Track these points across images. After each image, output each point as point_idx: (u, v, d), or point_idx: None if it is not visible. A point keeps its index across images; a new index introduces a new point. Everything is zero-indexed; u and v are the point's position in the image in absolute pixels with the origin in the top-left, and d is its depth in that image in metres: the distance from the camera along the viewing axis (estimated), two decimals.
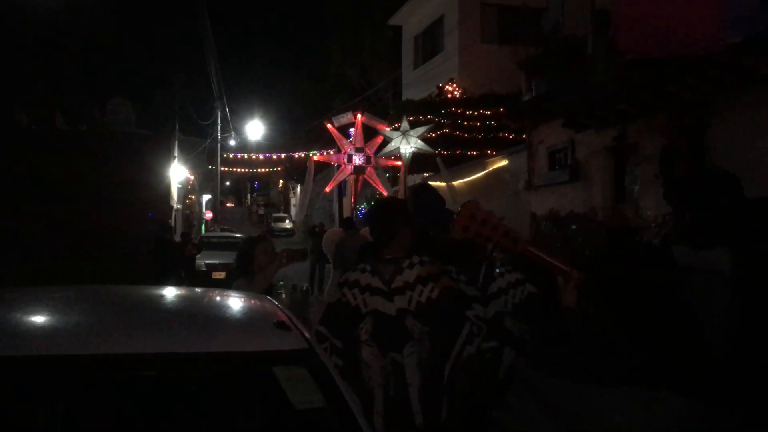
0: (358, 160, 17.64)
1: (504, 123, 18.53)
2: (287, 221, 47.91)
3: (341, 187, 20.66)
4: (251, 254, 4.28)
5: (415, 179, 22.81)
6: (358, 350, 2.85)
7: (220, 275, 16.50)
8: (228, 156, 38.88)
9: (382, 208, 3.27)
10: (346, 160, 17.78)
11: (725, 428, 1.97)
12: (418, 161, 20.63)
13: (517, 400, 2.28)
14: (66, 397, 1.95)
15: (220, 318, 2.65)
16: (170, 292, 3.22)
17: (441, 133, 19.74)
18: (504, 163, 16.77)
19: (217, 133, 34.02)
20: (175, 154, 23.36)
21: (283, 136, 47.53)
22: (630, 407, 1.93)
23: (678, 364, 1.96)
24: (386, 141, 17.21)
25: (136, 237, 9.03)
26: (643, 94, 10.07)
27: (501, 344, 2.89)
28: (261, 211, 58.95)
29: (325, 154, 24.60)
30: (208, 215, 37.09)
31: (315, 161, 19.23)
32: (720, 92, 9.01)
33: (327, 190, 21.12)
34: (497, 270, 3.13)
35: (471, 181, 18.40)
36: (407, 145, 16.50)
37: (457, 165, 19.29)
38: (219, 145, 34.99)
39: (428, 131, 16.95)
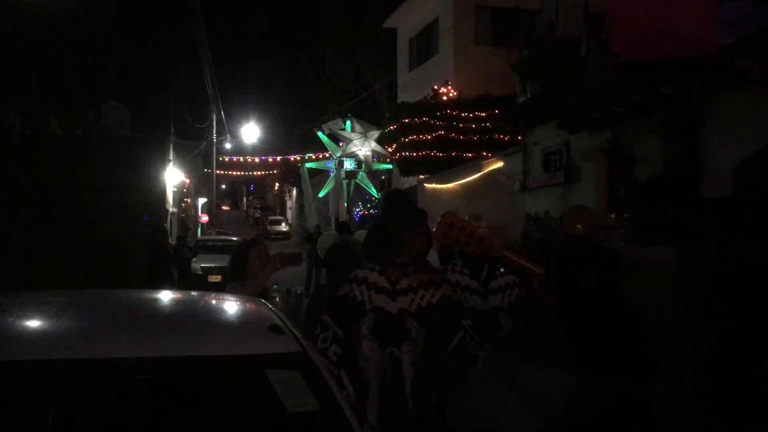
0: (349, 165, 17.73)
1: (499, 125, 18.58)
2: (283, 224, 47.87)
3: (337, 191, 20.71)
4: (245, 258, 4.24)
5: (410, 181, 22.86)
6: (358, 342, 3.09)
7: (216, 278, 16.50)
8: (223, 159, 38.83)
9: (392, 214, 3.47)
10: (337, 166, 17.88)
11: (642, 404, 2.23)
12: (412, 164, 20.68)
13: (481, 379, 2.51)
14: (59, 402, 1.94)
15: (213, 321, 2.65)
16: (164, 296, 3.22)
17: (436, 136, 19.78)
18: (499, 164, 16.79)
19: (212, 136, 33.96)
20: (171, 157, 23.32)
21: (278, 139, 47.49)
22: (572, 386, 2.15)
23: (617, 351, 2.19)
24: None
25: (132, 240, 9.03)
26: (636, 96, 10.10)
27: (486, 338, 3.08)
28: (257, 214, 58.89)
29: (321, 156, 24.64)
30: (204, 218, 37.04)
31: (308, 168, 19.31)
32: (713, 94, 9.04)
33: (320, 195, 21.14)
34: (501, 270, 3.48)
35: (466, 182, 18.41)
36: (364, 147, 16.58)
37: (452, 167, 19.32)
38: (214, 148, 34.93)
39: (384, 136, 17.02)
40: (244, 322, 2.73)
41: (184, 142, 30.80)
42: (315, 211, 25.74)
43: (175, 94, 26.35)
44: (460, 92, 20.70)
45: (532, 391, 2.24)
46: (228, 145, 40.91)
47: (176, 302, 3.05)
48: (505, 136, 18.91)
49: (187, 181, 31.83)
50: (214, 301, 3.12)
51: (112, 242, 8.45)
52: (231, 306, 3.01)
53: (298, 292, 4.44)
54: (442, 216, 3.11)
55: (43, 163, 8.89)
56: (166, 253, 13.69)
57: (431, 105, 20.63)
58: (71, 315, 2.48)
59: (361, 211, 22.88)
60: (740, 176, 1.41)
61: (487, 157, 18.06)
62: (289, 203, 54.21)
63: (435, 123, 19.89)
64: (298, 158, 35.39)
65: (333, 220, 27.37)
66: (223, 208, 65.15)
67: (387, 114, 23.24)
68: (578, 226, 3.75)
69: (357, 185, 18.66)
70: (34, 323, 2.38)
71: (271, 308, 2.87)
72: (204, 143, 33.67)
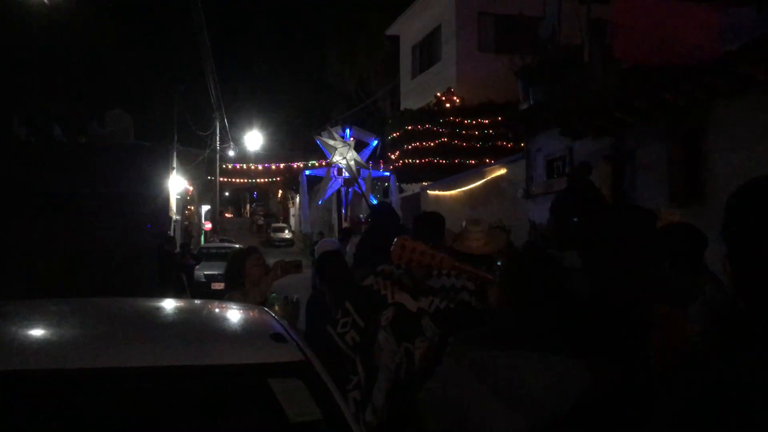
0: (347, 173, 17.80)
1: (502, 131, 18.58)
2: (286, 231, 47.86)
3: (339, 198, 20.76)
4: (241, 267, 4.21)
5: (413, 188, 22.88)
6: (375, 332, 3.26)
7: (219, 286, 16.47)
8: (227, 166, 38.88)
9: (381, 224, 3.89)
10: (335, 173, 17.95)
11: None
12: (415, 171, 20.70)
13: (443, 367, 2.65)
14: (60, 412, 1.94)
15: (216, 330, 2.64)
16: (166, 305, 3.22)
17: (439, 142, 19.80)
18: (502, 171, 16.78)
19: (215, 143, 34.04)
20: (174, 165, 23.38)
21: (282, 147, 47.56)
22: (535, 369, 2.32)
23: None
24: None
25: (135, 249, 9.01)
26: (639, 102, 10.10)
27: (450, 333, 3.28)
28: (260, 221, 58.92)
29: (323, 163, 24.64)
30: (208, 226, 37.05)
31: (307, 175, 19.37)
32: (716, 99, 9.04)
33: (319, 203, 21.20)
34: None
35: (469, 189, 18.41)
36: (349, 157, 16.71)
37: (455, 174, 19.33)
38: (218, 155, 35.01)
39: (382, 142, 17.18)
40: (247, 330, 2.73)
41: (188, 150, 30.87)
42: (308, 219, 25.84)
43: (178, 102, 26.42)
44: (462, 99, 20.72)
45: (500, 379, 2.34)
46: (231, 153, 40.98)
47: (179, 311, 3.05)
48: (508, 143, 18.92)
49: (191, 188, 31.88)
50: (217, 310, 3.12)
51: (115, 250, 8.43)
52: (234, 314, 3.00)
53: (294, 299, 4.46)
54: (395, 240, 3.31)
55: (46, 171, 8.89)
56: (176, 261, 13.81)
57: (434, 112, 20.66)
58: (73, 324, 2.48)
59: (365, 217, 22.89)
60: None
61: (490, 164, 18.06)
62: (292, 210, 54.24)
63: (438, 130, 19.91)
64: (301, 165, 35.46)
65: (335, 226, 27.39)
66: (227, 215, 65.20)
67: (390, 121, 23.27)
68: (473, 244, 3.77)
69: (356, 192, 18.70)
70: (35, 332, 2.38)
71: (273, 316, 2.86)
72: (207, 151, 33.74)
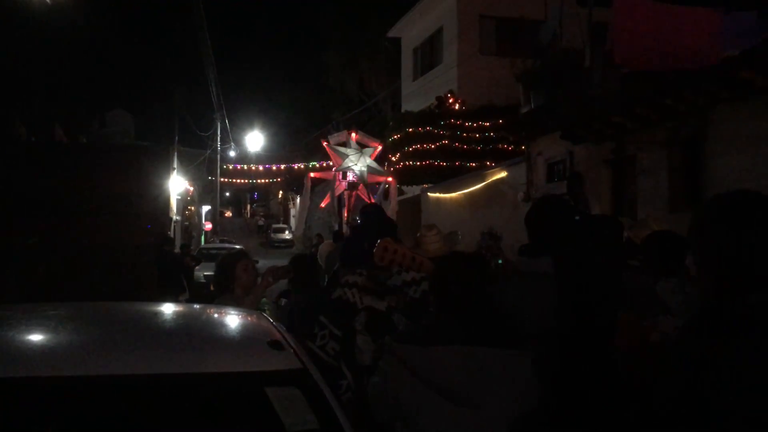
0: (351, 176, 17.91)
1: (503, 134, 18.56)
2: (287, 232, 47.80)
3: (341, 201, 20.78)
4: (231, 272, 4.17)
5: (413, 191, 22.86)
6: (353, 337, 3.53)
7: None
8: (227, 167, 38.88)
9: (367, 227, 4.31)
10: (340, 177, 18.05)
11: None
12: (412, 175, 20.69)
13: (383, 363, 2.98)
14: (55, 420, 1.93)
15: (213, 337, 2.64)
16: (164, 310, 3.21)
17: (440, 145, 19.78)
18: (503, 174, 16.77)
19: (216, 144, 34.05)
20: (175, 165, 23.35)
21: (282, 148, 47.56)
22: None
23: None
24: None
25: (136, 249, 9.00)
26: (639, 107, 10.10)
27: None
28: (261, 222, 58.87)
29: (324, 164, 24.64)
30: (208, 226, 37.03)
31: (311, 177, 19.42)
32: (716, 105, 9.03)
33: (322, 206, 21.26)
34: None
35: (470, 192, 18.39)
36: (361, 164, 16.82)
37: (455, 176, 19.31)
38: (219, 156, 35.01)
39: (380, 153, 17.31)
40: (244, 337, 2.72)
41: (189, 150, 30.86)
42: (309, 221, 25.94)
43: (179, 103, 26.43)
44: (463, 102, 20.71)
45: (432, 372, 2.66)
46: (232, 153, 41.00)
47: (177, 316, 3.04)
48: (508, 146, 18.90)
49: (191, 188, 31.85)
50: (215, 316, 3.11)
51: (115, 251, 8.42)
52: (232, 321, 3.00)
53: (283, 303, 4.55)
54: (378, 242, 3.78)
55: (47, 171, 8.87)
56: (176, 262, 13.77)
57: (435, 114, 20.65)
58: (70, 330, 2.47)
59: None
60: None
61: (490, 167, 18.05)
62: (292, 211, 54.17)
63: (439, 132, 19.89)
64: (302, 166, 35.42)
65: (336, 228, 27.37)
66: (227, 215, 65.16)
67: (391, 123, 23.27)
68: (430, 247, 4.18)
69: (359, 197, 18.77)
70: (32, 338, 2.37)
71: (272, 322, 2.85)
72: (208, 151, 33.74)
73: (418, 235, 4.74)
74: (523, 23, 19.30)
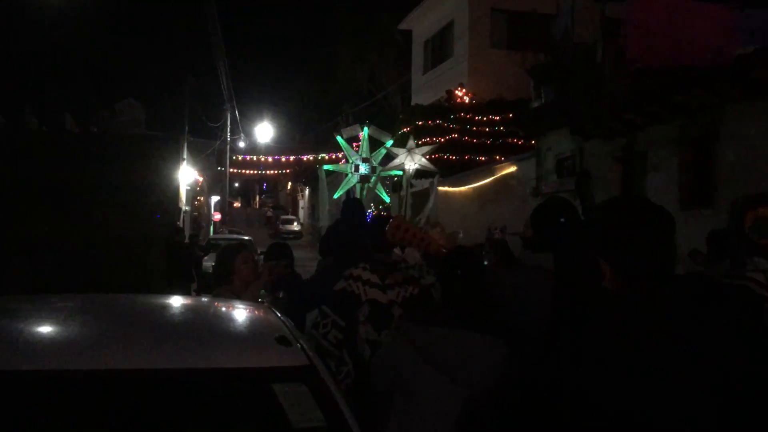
0: (363, 169, 18.01)
1: (512, 129, 18.52)
2: (295, 223, 47.88)
3: (350, 193, 20.80)
4: (231, 264, 4.17)
5: (422, 183, 22.83)
6: (355, 327, 3.66)
7: None
8: (237, 158, 38.91)
9: (348, 220, 4.80)
10: (353, 170, 18.16)
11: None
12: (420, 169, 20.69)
13: (387, 337, 3.25)
14: (60, 415, 1.94)
15: (220, 332, 2.63)
16: (172, 303, 3.22)
17: (449, 138, 19.74)
18: (512, 169, 16.73)
19: (226, 135, 34.05)
20: (185, 155, 23.38)
21: (292, 139, 47.57)
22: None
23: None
24: (390, 156, 17.60)
25: (145, 239, 9.01)
26: (650, 104, 10.04)
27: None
28: (269, 213, 58.96)
29: (335, 157, 24.61)
30: (217, 217, 37.10)
31: (325, 170, 19.50)
32: (728, 104, 8.97)
33: (335, 197, 21.32)
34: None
35: (479, 186, 18.36)
36: (411, 162, 16.87)
37: (465, 170, 19.27)
38: (228, 147, 35.01)
39: (433, 151, 17.25)
40: (251, 333, 2.72)
41: (198, 141, 30.87)
42: (327, 212, 25.90)
43: (190, 93, 26.42)
44: (474, 95, 20.64)
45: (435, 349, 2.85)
46: (242, 144, 41.01)
47: (184, 310, 3.05)
48: (518, 141, 18.85)
49: (201, 179, 31.89)
50: (223, 309, 3.11)
51: (124, 241, 8.44)
52: (239, 315, 2.99)
53: (280, 296, 4.63)
54: (392, 219, 4.03)
55: (58, 161, 8.89)
56: (185, 252, 13.81)
57: (445, 108, 20.60)
58: (77, 323, 2.47)
59: (373, 211, 22.90)
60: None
61: (500, 161, 18.01)
62: (301, 203, 54.23)
63: (448, 126, 19.85)
64: (311, 158, 35.41)
65: None
66: (236, 206, 65.28)
67: (401, 116, 23.24)
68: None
69: (370, 189, 18.81)
70: (39, 330, 2.37)
71: (279, 317, 2.84)
72: (218, 142, 33.75)
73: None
74: (535, 17, 19.18)
